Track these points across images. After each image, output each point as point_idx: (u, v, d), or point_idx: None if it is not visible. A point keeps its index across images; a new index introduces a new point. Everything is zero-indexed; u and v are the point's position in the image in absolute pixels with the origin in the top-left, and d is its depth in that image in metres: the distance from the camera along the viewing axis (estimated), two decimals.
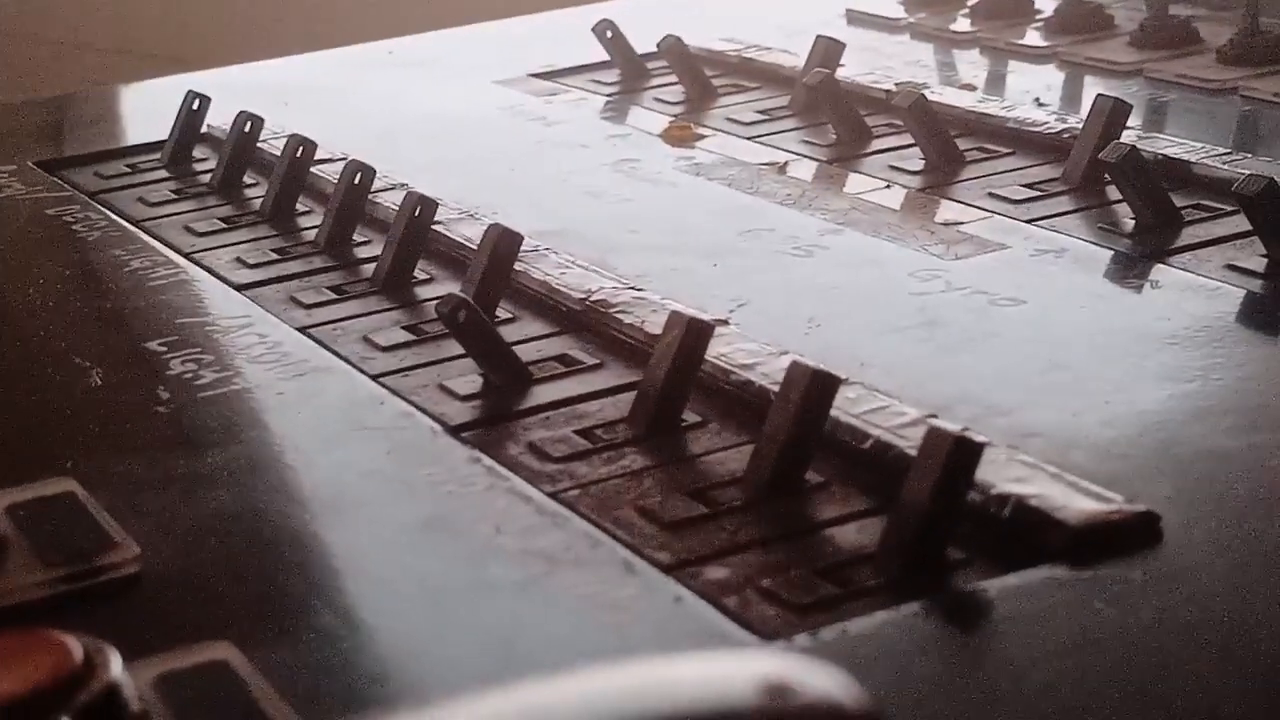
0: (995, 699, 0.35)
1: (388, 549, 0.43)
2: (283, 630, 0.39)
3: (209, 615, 0.40)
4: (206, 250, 0.65)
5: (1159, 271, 0.55)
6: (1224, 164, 0.62)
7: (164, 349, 0.55)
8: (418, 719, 0.24)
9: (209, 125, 0.77)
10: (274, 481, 0.47)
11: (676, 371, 0.48)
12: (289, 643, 0.38)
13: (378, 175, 0.65)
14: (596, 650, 0.37)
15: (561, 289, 0.56)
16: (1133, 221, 0.59)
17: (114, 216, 0.70)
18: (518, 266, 0.57)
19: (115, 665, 0.34)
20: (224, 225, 0.67)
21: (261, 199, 0.69)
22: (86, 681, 0.33)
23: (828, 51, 0.77)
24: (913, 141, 0.69)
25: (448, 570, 0.41)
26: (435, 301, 0.53)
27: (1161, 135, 0.66)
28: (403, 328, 0.56)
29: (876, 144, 0.70)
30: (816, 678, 0.22)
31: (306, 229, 0.66)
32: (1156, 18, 0.80)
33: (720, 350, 0.49)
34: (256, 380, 0.52)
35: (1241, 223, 0.57)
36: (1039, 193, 0.63)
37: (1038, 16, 0.87)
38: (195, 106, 0.77)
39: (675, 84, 0.81)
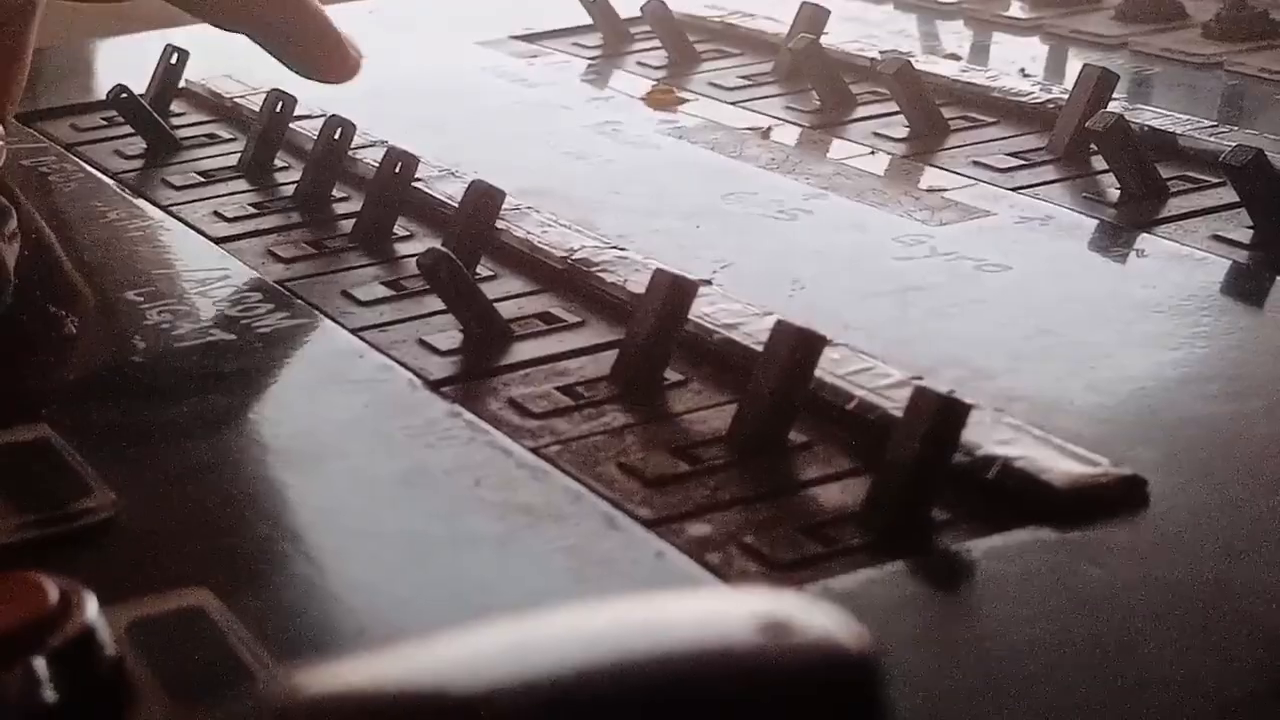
0: (979, 657, 0.35)
1: (366, 500, 0.42)
2: (259, 578, 0.38)
3: (184, 562, 0.39)
4: (184, 204, 0.64)
5: (1144, 241, 0.55)
6: (1210, 136, 0.62)
7: (140, 299, 0.54)
8: (404, 655, 0.23)
9: (187, 80, 0.76)
10: (251, 432, 0.46)
11: (659, 329, 0.47)
12: (266, 590, 0.38)
13: (358, 132, 0.65)
14: (576, 602, 0.37)
15: (543, 247, 0.55)
16: (1118, 191, 0.59)
17: (90, 169, 0.69)
18: (499, 224, 0.57)
19: (91, 608, 0.33)
20: (201, 179, 0.67)
21: (240, 154, 0.68)
22: (61, 623, 0.33)
23: (812, 18, 0.77)
24: (897, 109, 0.68)
25: (426, 522, 0.41)
26: (415, 257, 0.52)
27: (1147, 107, 0.65)
28: (382, 283, 0.55)
29: (860, 111, 0.70)
30: (816, 616, 0.21)
31: (285, 184, 0.65)
32: None
33: (703, 310, 0.49)
34: (234, 331, 0.52)
35: (1227, 194, 0.57)
36: (1023, 161, 0.63)
37: None
38: (174, 61, 0.76)
39: (658, 48, 0.81)
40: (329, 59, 0.66)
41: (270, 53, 0.66)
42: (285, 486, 0.43)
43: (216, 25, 0.65)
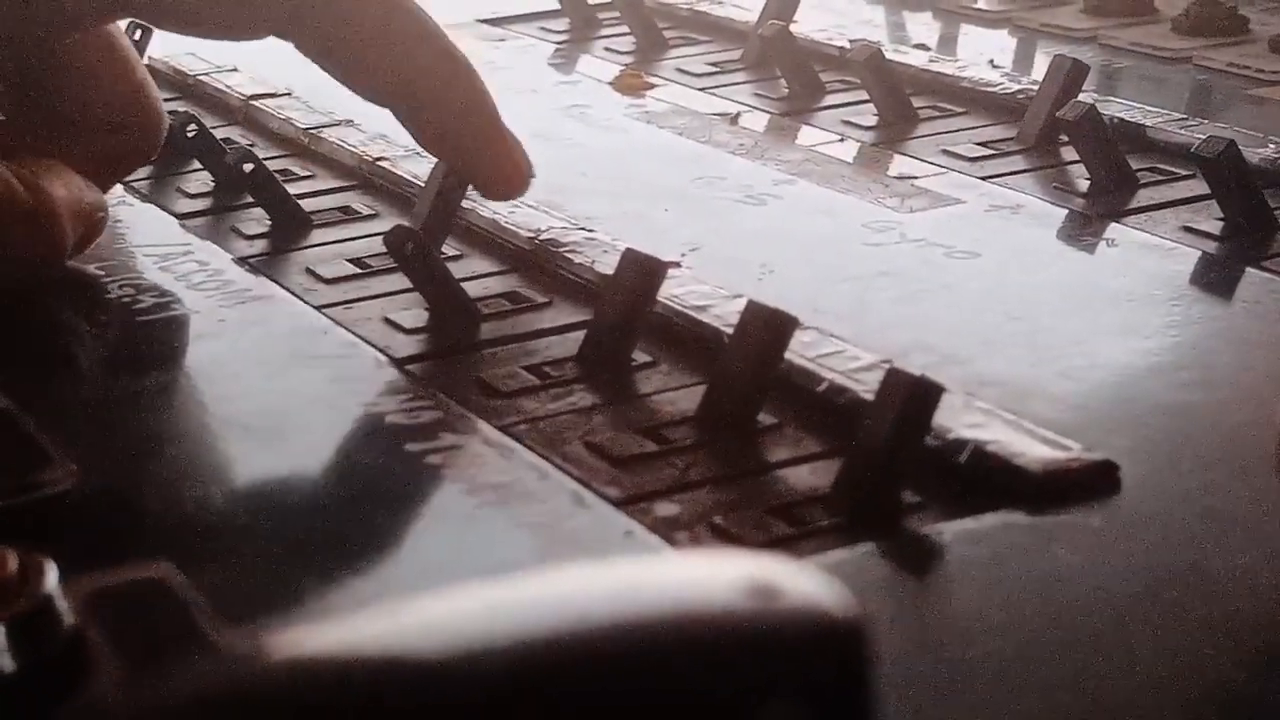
0: (949, 639, 0.34)
1: (329, 476, 0.42)
2: (221, 551, 0.38)
3: (146, 535, 0.38)
4: (145, 179, 0.63)
5: (1115, 230, 0.55)
6: (1180, 129, 0.61)
7: (102, 273, 0.54)
8: (376, 617, 0.23)
9: (150, 57, 0.76)
10: (213, 406, 0.46)
11: (628, 310, 0.47)
12: (227, 564, 0.37)
13: (324, 113, 0.64)
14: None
15: (510, 227, 0.55)
16: (1088, 182, 0.59)
17: None
18: (465, 204, 0.56)
19: (51, 578, 0.33)
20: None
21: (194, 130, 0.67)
22: (20, 593, 0.32)
23: (782, 5, 0.76)
24: (866, 97, 0.68)
25: (392, 499, 0.40)
26: (381, 235, 0.52)
27: (1116, 100, 0.65)
28: (347, 260, 0.54)
29: (829, 99, 0.70)
30: (802, 581, 0.21)
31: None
32: None
33: (673, 291, 0.48)
34: (196, 307, 0.51)
35: (1197, 186, 0.57)
36: (993, 151, 0.63)
37: None
38: (137, 36, 0.75)
39: (626, 34, 0.80)
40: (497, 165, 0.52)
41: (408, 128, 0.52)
42: (247, 461, 0.42)
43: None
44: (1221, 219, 0.55)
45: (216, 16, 0.51)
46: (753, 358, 0.43)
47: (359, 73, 0.51)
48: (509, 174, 0.51)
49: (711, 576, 0.21)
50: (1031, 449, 0.40)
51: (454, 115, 0.51)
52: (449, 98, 0.51)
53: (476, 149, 0.51)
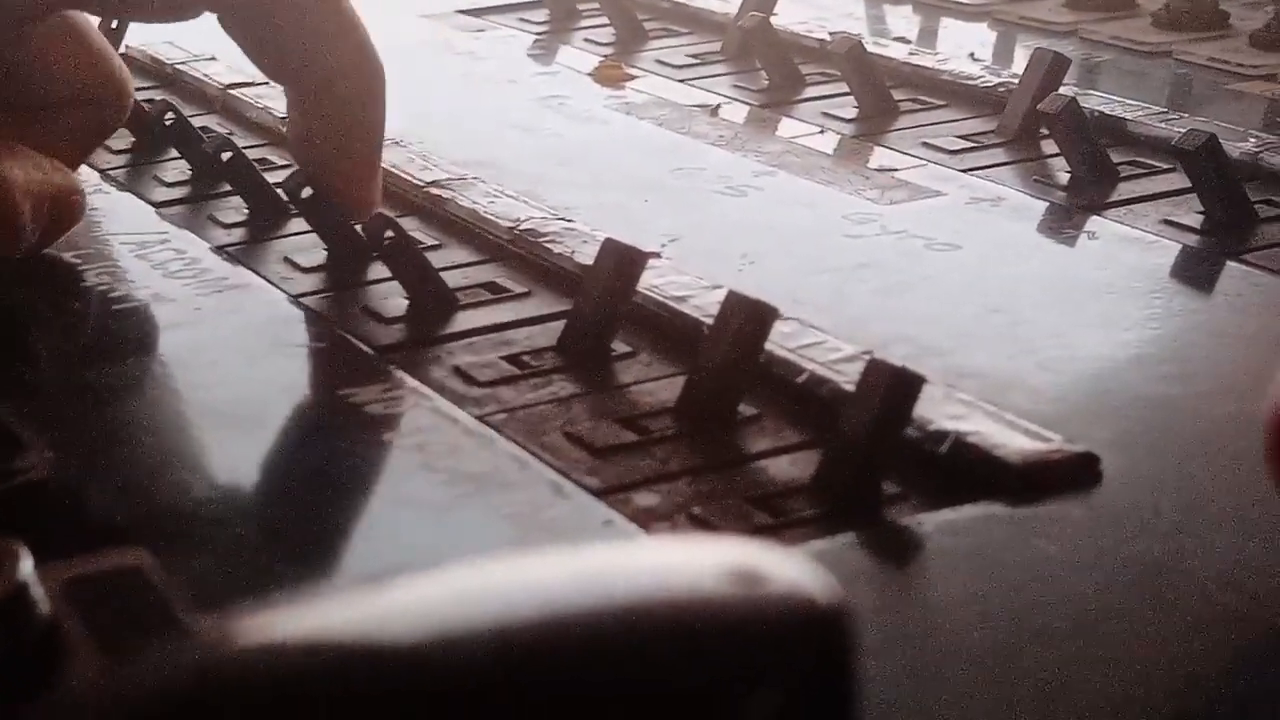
0: (930, 630, 0.34)
1: (307, 465, 0.41)
2: (197, 539, 0.38)
3: (121, 522, 0.38)
4: (121, 168, 0.63)
5: (1095, 223, 0.55)
6: (1160, 122, 0.61)
7: (78, 261, 0.53)
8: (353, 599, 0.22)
9: (126, 45, 0.75)
10: (189, 394, 0.45)
11: (608, 300, 0.47)
12: (203, 552, 0.37)
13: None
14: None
15: (489, 217, 0.55)
16: (1068, 175, 0.59)
17: None
18: (445, 194, 0.56)
19: (25, 566, 0.32)
20: (139, 144, 0.66)
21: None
22: None
23: None
24: (846, 90, 0.68)
25: (370, 487, 0.40)
26: (360, 225, 0.51)
27: (1096, 93, 0.65)
28: (325, 249, 0.54)
29: (809, 91, 0.70)
30: (786, 568, 0.21)
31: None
32: None
33: (652, 282, 0.48)
34: (173, 295, 0.51)
35: (1177, 180, 0.57)
36: (974, 144, 0.63)
37: None
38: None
39: (605, 25, 0.80)
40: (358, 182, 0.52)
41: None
42: (224, 449, 0.42)
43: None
44: (1202, 213, 0.55)
45: None
46: (733, 348, 0.42)
47: (270, 51, 0.51)
48: (360, 196, 0.51)
49: (693, 562, 0.21)
50: (1012, 441, 0.40)
51: (343, 116, 0.51)
52: (345, 96, 0.51)
53: (343, 157, 0.51)
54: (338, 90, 0.51)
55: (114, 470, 0.41)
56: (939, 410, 0.41)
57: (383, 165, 0.53)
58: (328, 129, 0.51)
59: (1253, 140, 0.59)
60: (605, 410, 0.43)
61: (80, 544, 0.36)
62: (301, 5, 0.51)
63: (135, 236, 0.56)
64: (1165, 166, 0.58)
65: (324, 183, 0.51)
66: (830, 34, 0.73)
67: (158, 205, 0.59)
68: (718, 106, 0.68)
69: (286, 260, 0.53)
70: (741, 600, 0.20)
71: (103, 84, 0.54)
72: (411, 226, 0.54)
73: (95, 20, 0.56)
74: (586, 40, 0.79)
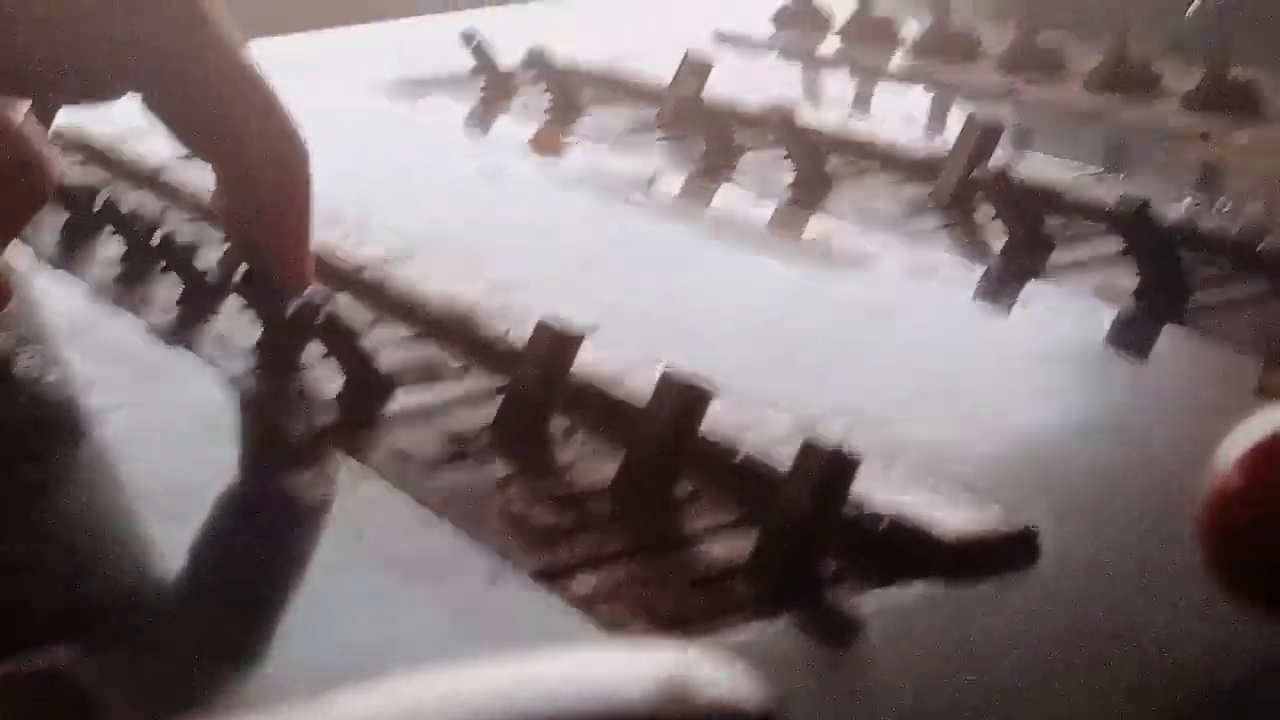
0: (871, 711, 0.34)
1: (244, 552, 0.41)
2: (130, 634, 0.37)
3: (51, 619, 0.38)
4: (55, 247, 0.62)
5: (1031, 289, 0.55)
6: (1095, 186, 0.62)
7: (10, 343, 0.53)
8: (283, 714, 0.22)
9: (56, 125, 0.75)
10: (123, 482, 0.45)
11: (543, 380, 0.46)
12: (136, 648, 0.36)
13: None
14: (464, 657, 0.36)
15: (425, 294, 0.54)
16: (1004, 241, 0.59)
17: None
18: (380, 270, 0.56)
19: None
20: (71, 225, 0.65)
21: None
22: None
23: (696, 67, 0.76)
24: (783, 157, 0.68)
25: (308, 573, 0.40)
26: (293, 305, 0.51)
27: (1030, 157, 0.65)
28: (260, 326, 0.54)
29: (745, 159, 0.70)
30: (716, 673, 0.21)
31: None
32: (1024, 43, 0.80)
33: (588, 359, 0.48)
34: (105, 379, 0.50)
35: (1113, 245, 0.57)
36: (910, 210, 0.63)
37: (905, 41, 0.87)
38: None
39: (542, 95, 0.80)
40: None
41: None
42: (159, 538, 0.42)
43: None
44: (1138, 275, 0.55)
45: (84, 73, 0.50)
46: (669, 430, 0.42)
47: (196, 132, 0.51)
48: (292, 272, 0.51)
49: (623, 673, 0.20)
50: (950, 518, 0.39)
51: (270, 197, 0.51)
52: (272, 178, 0.50)
53: (273, 234, 0.51)
54: (262, 172, 0.51)
55: (44, 564, 0.40)
56: (876, 487, 0.41)
57: (317, 240, 0.53)
58: (257, 207, 0.51)
59: (1187, 202, 0.59)
60: (543, 491, 0.43)
61: (9, 643, 0.36)
62: (218, 87, 0.50)
63: (67, 318, 0.55)
64: (1101, 231, 0.59)
65: (256, 260, 0.51)
66: (766, 102, 0.73)
67: (91, 285, 0.58)
68: (654, 176, 0.68)
69: (221, 339, 0.53)
70: (670, 715, 0.20)
71: (25, 157, 0.53)
72: (348, 303, 0.54)
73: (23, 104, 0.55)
74: (523, 109, 0.79)
